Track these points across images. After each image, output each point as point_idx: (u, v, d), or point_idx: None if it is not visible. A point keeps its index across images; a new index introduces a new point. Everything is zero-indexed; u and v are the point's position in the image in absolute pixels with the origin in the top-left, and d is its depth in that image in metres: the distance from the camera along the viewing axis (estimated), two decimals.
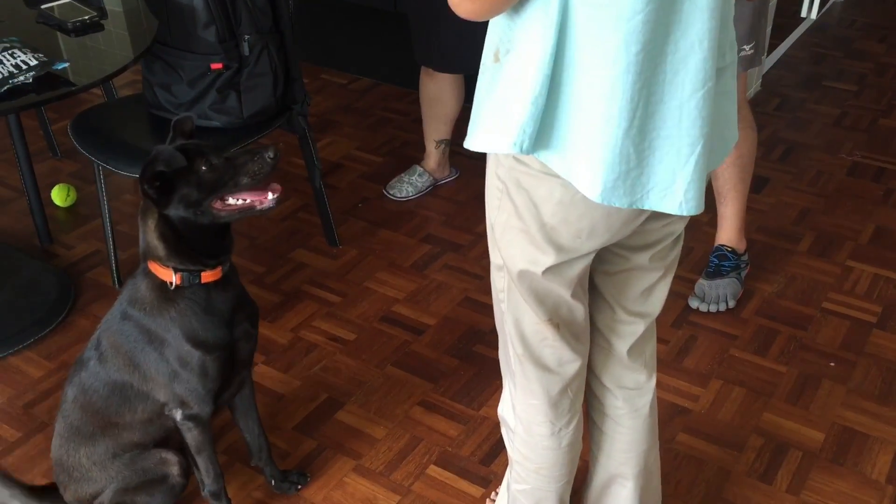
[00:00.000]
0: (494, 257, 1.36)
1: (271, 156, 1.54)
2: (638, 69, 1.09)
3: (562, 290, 1.32)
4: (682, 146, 1.14)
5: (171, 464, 1.72)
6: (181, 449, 1.75)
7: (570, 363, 1.42)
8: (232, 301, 1.65)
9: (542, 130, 1.15)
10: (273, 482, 1.91)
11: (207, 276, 1.60)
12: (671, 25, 1.08)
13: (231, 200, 1.56)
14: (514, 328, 1.40)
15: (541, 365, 1.42)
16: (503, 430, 1.59)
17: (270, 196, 1.57)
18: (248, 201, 1.57)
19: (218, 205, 1.55)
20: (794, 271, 2.60)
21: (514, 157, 1.22)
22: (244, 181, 1.54)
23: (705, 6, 1.08)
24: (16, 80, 1.86)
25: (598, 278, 1.43)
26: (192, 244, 1.57)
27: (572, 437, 1.52)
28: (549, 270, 1.28)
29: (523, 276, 1.31)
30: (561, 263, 1.27)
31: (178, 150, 1.54)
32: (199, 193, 1.53)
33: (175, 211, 1.53)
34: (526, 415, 1.49)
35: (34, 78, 1.88)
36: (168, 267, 1.57)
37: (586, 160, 1.15)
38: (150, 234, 1.57)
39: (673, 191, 1.17)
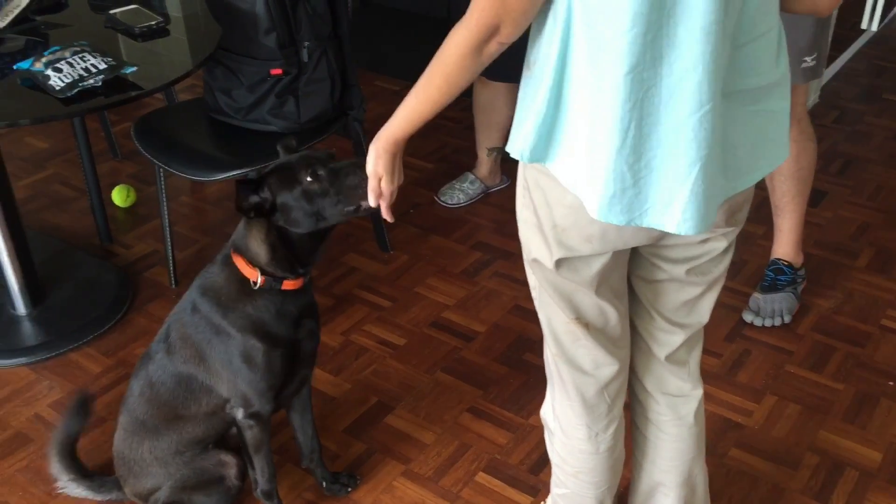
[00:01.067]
0: (524, 252, 1.39)
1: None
2: (627, 90, 1.10)
3: (583, 288, 1.34)
4: (679, 166, 1.15)
5: (230, 466, 1.75)
6: (238, 451, 1.77)
7: (606, 366, 1.43)
8: (302, 305, 1.68)
9: (548, 142, 1.20)
10: (324, 484, 1.93)
11: (289, 285, 1.63)
12: (664, 49, 1.09)
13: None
14: (547, 326, 1.43)
15: (575, 366, 1.43)
16: (545, 433, 1.61)
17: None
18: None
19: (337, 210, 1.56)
20: (852, 287, 2.55)
21: None
22: (345, 192, 1.54)
23: (699, 29, 1.07)
24: (86, 83, 1.91)
25: (635, 283, 1.43)
26: (295, 253, 1.60)
27: (611, 443, 1.52)
28: (560, 265, 1.30)
29: (539, 268, 1.34)
30: (573, 258, 1.29)
31: (283, 164, 1.56)
32: (308, 205, 1.54)
33: (288, 222, 1.55)
34: (564, 416, 1.51)
35: (103, 81, 1.93)
36: (256, 268, 1.60)
37: (584, 176, 1.18)
38: (254, 241, 1.60)
39: (671, 210, 1.17)
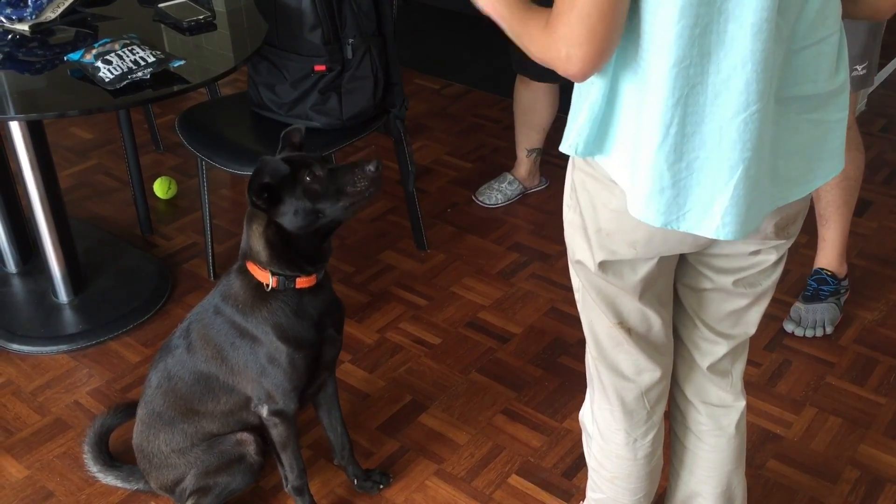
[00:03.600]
0: (568, 254, 1.39)
1: (372, 169, 1.57)
2: (671, 84, 1.08)
3: (626, 293, 1.32)
4: (721, 169, 1.12)
5: (248, 443, 1.76)
6: (254, 428, 1.77)
7: (647, 372, 1.42)
8: (322, 306, 1.69)
9: (602, 135, 1.18)
10: (356, 481, 1.93)
11: (302, 282, 1.64)
12: (713, 45, 1.07)
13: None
14: (589, 330, 1.42)
15: (616, 371, 1.43)
16: (583, 436, 1.60)
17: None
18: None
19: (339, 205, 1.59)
20: None
21: (584, 160, 1.25)
22: (348, 191, 1.58)
23: (750, 26, 1.05)
24: (135, 76, 1.93)
25: (681, 290, 1.42)
26: (296, 251, 1.61)
27: (649, 450, 1.51)
28: (604, 268, 1.29)
29: (583, 270, 1.34)
30: (616, 262, 1.28)
31: (283, 161, 1.58)
32: (307, 203, 1.56)
33: (287, 219, 1.57)
34: (602, 421, 1.51)
35: (151, 74, 1.95)
36: (266, 270, 1.62)
37: (628, 172, 1.17)
38: (255, 239, 1.62)
39: (711, 214, 1.15)
